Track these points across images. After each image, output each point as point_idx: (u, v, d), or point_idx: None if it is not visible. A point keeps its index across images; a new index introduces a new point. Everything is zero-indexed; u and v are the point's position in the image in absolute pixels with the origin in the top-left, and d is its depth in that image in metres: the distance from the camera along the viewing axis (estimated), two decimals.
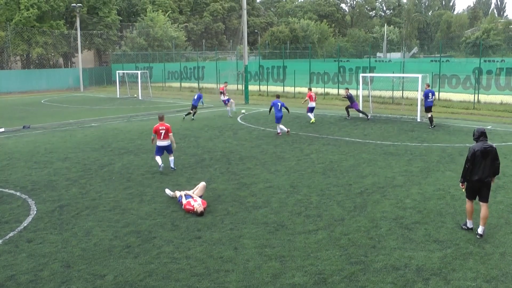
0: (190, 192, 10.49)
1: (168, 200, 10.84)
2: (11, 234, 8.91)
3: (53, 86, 51.25)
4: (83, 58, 56.40)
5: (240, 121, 23.77)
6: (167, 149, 13.72)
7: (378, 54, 70.30)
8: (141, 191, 11.62)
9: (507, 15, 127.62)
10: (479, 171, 8.41)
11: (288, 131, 19.32)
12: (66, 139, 19.19)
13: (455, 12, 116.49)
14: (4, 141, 19.17)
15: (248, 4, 64.65)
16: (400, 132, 19.58)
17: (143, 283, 6.95)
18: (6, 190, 11.88)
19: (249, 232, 8.82)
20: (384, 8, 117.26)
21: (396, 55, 67.33)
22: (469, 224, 8.77)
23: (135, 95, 39.59)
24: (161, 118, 13.81)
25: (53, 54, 56.19)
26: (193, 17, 78.71)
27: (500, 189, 11.16)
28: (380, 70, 32.98)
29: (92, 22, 57.51)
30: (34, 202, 10.86)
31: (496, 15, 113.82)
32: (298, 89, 36.76)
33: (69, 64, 61.02)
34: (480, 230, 8.41)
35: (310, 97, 22.73)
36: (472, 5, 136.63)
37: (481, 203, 8.50)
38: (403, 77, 29.18)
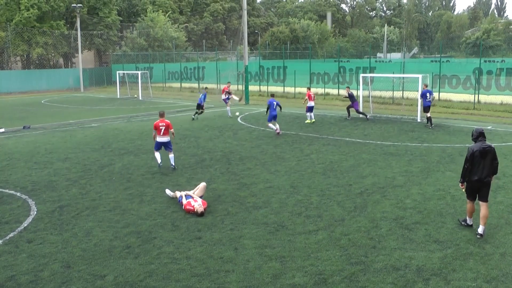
0: (190, 193, 10.49)
1: (168, 201, 10.84)
2: (11, 234, 8.91)
3: (53, 87, 51.27)
4: (83, 59, 56.41)
5: (240, 121, 23.77)
6: (166, 146, 13.77)
7: (378, 54, 70.27)
8: (141, 192, 11.62)
9: (507, 15, 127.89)
10: (478, 171, 8.43)
11: (278, 132, 19.25)
12: (66, 140, 19.19)
13: (455, 13, 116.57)
14: (4, 141, 19.17)
15: (248, 4, 64.59)
16: (400, 133, 19.58)
17: (143, 283, 6.95)
18: (6, 191, 11.88)
19: (249, 232, 8.82)
20: (384, 9, 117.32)
21: (396, 56, 67.34)
22: (469, 221, 8.82)
23: (135, 96, 39.60)
24: (161, 115, 13.96)
25: (53, 55, 56.24)
26: (193, 17, 78.79)
27: (500, 189, 11.16)
28: (380, 71, 32.98)
29: (93, 23, 57.55)
30: (34, 202, 10.86)
31: (496, 15, 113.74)
32: (298, 90, 36.75)
33: (69, 64, 61.07)
34: (480, 230, 8.42)
35: (309, 97, 22.75)
36: (472, 5, 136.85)
37: (481, 202, 8.52)
38: (403, 78, 29.18)
